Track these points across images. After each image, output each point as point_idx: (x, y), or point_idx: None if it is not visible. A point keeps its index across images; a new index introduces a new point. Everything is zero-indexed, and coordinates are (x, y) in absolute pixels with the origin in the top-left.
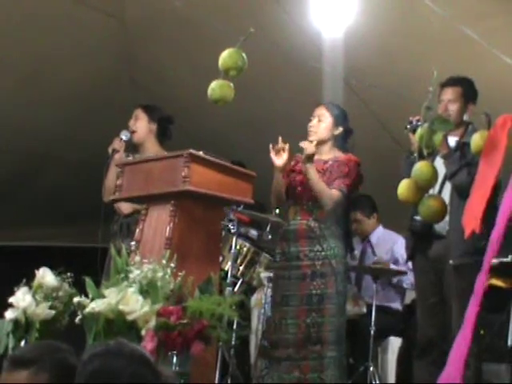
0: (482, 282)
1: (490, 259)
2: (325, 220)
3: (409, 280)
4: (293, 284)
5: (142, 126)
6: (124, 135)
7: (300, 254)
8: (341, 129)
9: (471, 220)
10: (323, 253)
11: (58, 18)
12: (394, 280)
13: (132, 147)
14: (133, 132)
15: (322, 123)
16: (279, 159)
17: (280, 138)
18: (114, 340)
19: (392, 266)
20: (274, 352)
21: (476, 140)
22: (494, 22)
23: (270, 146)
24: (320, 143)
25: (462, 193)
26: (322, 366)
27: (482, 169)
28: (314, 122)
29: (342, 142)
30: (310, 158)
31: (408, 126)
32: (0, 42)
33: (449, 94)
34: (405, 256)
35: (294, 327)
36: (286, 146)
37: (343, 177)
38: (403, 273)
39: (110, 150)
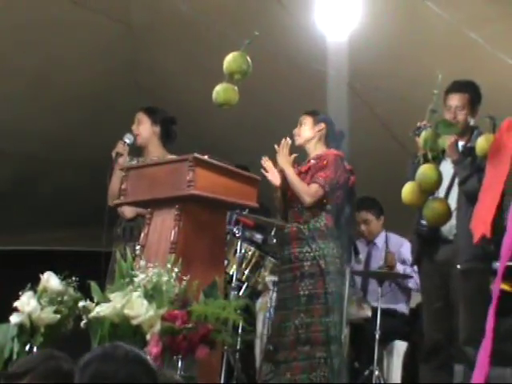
0: (497, 289)
1: (504, 265)
2: (314, 221)
3: (414, 281)
4: (288, 287)
5: (145, 129)
6: (127, 139)
7: (291, 256)
8: (322, 125)
9: (480, 225)
10: (311, 254)
11: (63, 23)
12: (399, 279)
13: (136, 150)
14: (136, 135)
15: (303, 126)
16: (274, 177)
17: (264, 159)
18: (109, 344)
19: (399, 266)
20: (276, 355)
21: (481, 143)
22: (499, 25)
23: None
24: (305, 144)
25: (471, 199)
26: (311, 367)
27: (489, 173)
28: (298, 127)
29: (331, 135)
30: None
31: (416, 132)
32: (5, 45)
33: (456, 100)
34: (410, 259)
35: (288, 329)
36: (270, 164)
37: (321, 170)
38: (409, 277)
39: (113, 154)
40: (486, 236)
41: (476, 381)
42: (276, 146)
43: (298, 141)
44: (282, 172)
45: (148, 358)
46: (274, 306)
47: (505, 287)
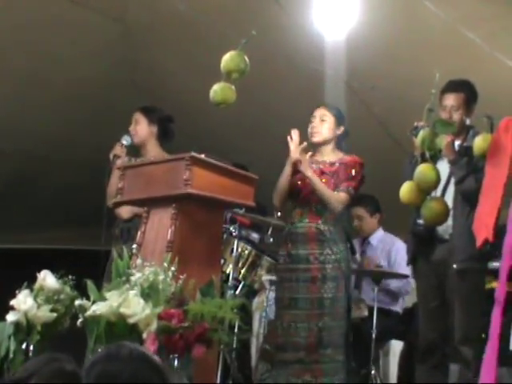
0: (503, 290)
1: (508, 266)
2: (334, 223)
3: (407, 288)
4: (302, 287)
5: (142, 128)
6: (125, 140)
7: (310, 257)
8: (342, 128)
9: (482, 228)
10: (333, 256)
11: (61, 22)
12: (391, 286)
13: (134, 151)
14: (133, 135)
15: (325, 123)
16: (296, 151)
17: (297, 131)
18: (114, 343)
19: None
20: (282, 355)
21: (479, 143)
22: (496, 25)
23: (293, 133)
24: (323, 143)
25: (468, 199)
26: (334, 370)
27: (488, 174)
28: (317, 122)
29: (341, 143)
30: (295, 164)
31: (414, 132)
32: (3, 44)
33: (451, 99)
34: (403, 260)
35: (304, 331)
36: (297, 138)
37: (350, 179)
38: (404, 276)
39: (111, 156)
40: (488, 240)
41: (485, 381)
42: (290, 141)
43: (317, 138)
44: (296, 166)
45: (154, 356)
46: (276, 304)
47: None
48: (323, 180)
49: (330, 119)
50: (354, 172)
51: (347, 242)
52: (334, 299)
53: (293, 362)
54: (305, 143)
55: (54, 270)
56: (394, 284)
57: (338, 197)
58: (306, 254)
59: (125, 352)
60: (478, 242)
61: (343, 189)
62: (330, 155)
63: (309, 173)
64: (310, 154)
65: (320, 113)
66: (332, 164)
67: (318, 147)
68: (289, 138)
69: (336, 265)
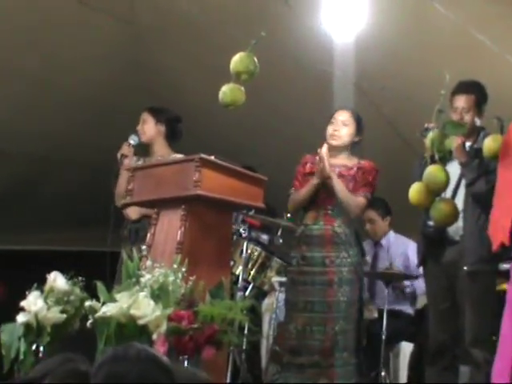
0: None
1: None
2: (349, 226)
3: (422, 288)
4: (317, 290)
5: (149, 128)
6: (132, 140)
7: (326, 260)
8: (360, 137)
9: (499, 232)
10: (349, 259)
11: (69, 23)
12: (407, 290)
13: (141, 150)
14: (141, 135)
15: (346, 128)
16: (328, 167)
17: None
18: (122, 344)
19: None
20: (295, 358)
21: (489, 144)
22: (505, 26)
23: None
24: (339, 149)
25: (479, 201)
26: (348, 374)
27: (501, 177)
28: (340, 126)
29: (354, 149)
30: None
31: (424, 133)
32: (12, 46)
33: (462, 101)
34: (416, 261)
35: (320, 334)
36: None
37: (368, 185)
38: (416, 277)
39: (118, 156)
40: (504, 243)
41: (499, 381)
42: (320, 151)
43: (337, 142)
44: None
45: (162, 356)
46: (288, 307)
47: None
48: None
49: (352, 125)
50: (371, 178)
51: (359, 244)
52: (349, 302)
53: (307, 366)
54: (325, 148)
55: (60, 271)
56: (420, 289)
57: (358, 202)
58: (321, 257)
59: (132, 353)
60: (494, 246)
61: (362, 194)
62: (346, 160)
63: (333, 175)
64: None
65: (343, 117)
66: (350, 168)
67: (334, 151)
68: (321, 152)
69: (352, 268)
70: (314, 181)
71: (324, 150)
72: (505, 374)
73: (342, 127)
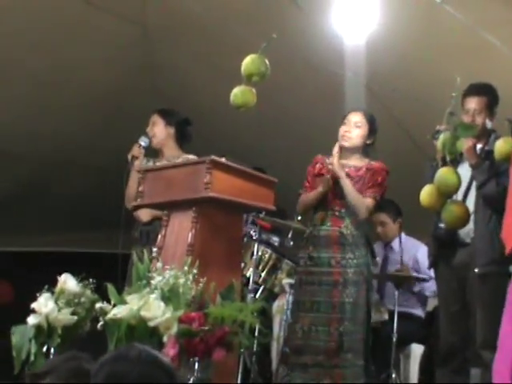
0: None
1: None
2: (357, 228)
3: (431, 288)
4: (323, 290)
5: (159, 130)
6: (143, 141)
7: (332, 261)
8: (372, 139)
9: (511, 235)
10: (355, 261)
11: (79, 25)
12: (416, 289)
13: (152, 152)
14: (151, 137)
15: (359, 130)
16: (340, 169)
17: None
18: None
19: (413, 274)
20: (299, 358)
21: (500, 146)
22: None
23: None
24: (350, 150)
25: (490, 203)
26: (354, 375)
27: None
28: (352, 127)
29: (367, 151)
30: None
31: (435, 136)
32: (22, 48)
33: (474, 103)
34: (426, 263)
35: (325, 334)
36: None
37: (377, 186)
38: (425, 280)
39: (129, 157)
40: None
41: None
42: (334, 151)
43: (348, 143)
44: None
45: (164, 358)
46: (294, 307)
47: None
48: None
49: (364, 127)
50: (380, 179)
51: (368, 246)
52: (355, 304)
53: (311, 366)
54: (337, 148)
55: (71, 273)
56: (430, 289)
57: (366, 203)
58: (327, 258)
59: (134, 353)
60: (508, 250)
61: (370, 195)
62: (357, 161)
63: (343, 174)
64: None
65: (356, 118)
66: (358, 169)
67: (346, 152)
68: (334, 151)
69: (358, 269)
70: (321, 188)
71: (336, 149)
72: (506, 375)
73: (354, 128)
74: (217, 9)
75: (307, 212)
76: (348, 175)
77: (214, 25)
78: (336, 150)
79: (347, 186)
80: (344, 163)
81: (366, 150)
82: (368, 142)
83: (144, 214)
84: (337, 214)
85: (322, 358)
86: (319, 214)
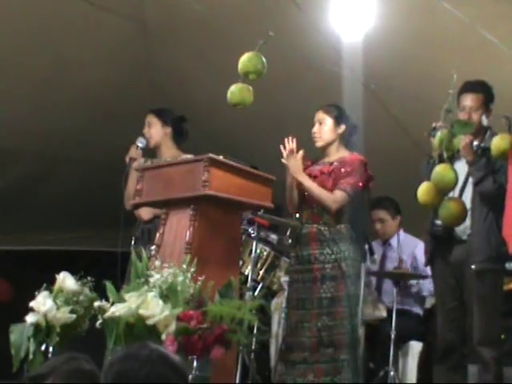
0: None
1: None
2: (334, 223)
3: (429, 289)
4: (306, 287)
5: (156, 131)
6: (140, 142)
7: (311, 257)
8: (343, 127)
9: None
10: (333, 256)
11: (77, 22)
12: (414, 290)
13: (150, 152)
14: (148, 138)
15: (323, 126)
16: (288, 158)
17: (288, 140)
18: (136, 343)
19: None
20: (290, 355)
21: (497, 143)
22: None
23: (287, 141)
24: (326, 146)
25: (486, 199)
26: (335, 370)
27: None
28: (316, 127)
29: (349, 138)
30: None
31: (432, 133)
32: (18, 45)
33: (470, 100)
34: (423, 260)
35: (309, 331)
36: (294, 146)
37: (347, 176)
38: (424, 277)
39: (127, 159)
40: None
41: None
42: (283, 149)
43: (319, 143)
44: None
45: (176, 357)
46: (287, 306)
47: None
48: (317, 181)
49: (328, 121)
50: (350, 169)
51: (360, 241)
52: (332, 299)
53: (299, 362)
54: (301, 151)
55: (71, 271)
56: (426, 289)
57: (332, 196)
58: (308, 255)
59: (144, 352)
60: (510, 248)
61: (339, 187)
62: (335, 155)
63: (299, 176)
64: (301, 153)
65: (318, 117)
66: (331, 163)
67: (324, 150)
68: (282, 146)
69: (335, 264)
70: (287, 177)
71: (299, 155)
72: None
73: (319, 127)
74: (215, 6)
75: (293, 208)
76: (321, 172)
77: (213, 22)
78: (300, 155)
79: (307, 185)
80: (325, 161)
81: (347, 140)
82: (340, 132)
83: (145, 213)
84: (315, 211)
85: (306, 355)
86: (304, 213)
